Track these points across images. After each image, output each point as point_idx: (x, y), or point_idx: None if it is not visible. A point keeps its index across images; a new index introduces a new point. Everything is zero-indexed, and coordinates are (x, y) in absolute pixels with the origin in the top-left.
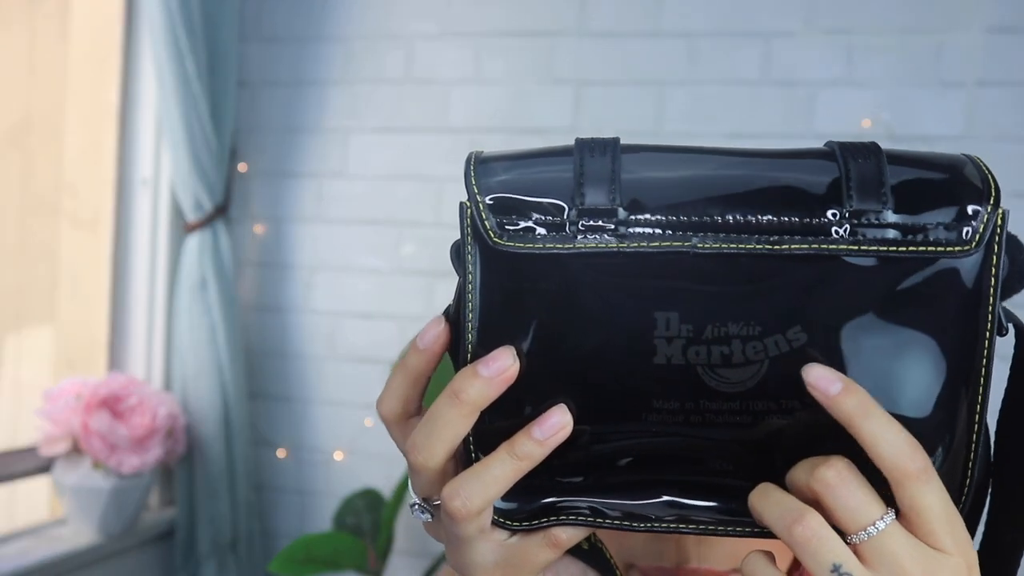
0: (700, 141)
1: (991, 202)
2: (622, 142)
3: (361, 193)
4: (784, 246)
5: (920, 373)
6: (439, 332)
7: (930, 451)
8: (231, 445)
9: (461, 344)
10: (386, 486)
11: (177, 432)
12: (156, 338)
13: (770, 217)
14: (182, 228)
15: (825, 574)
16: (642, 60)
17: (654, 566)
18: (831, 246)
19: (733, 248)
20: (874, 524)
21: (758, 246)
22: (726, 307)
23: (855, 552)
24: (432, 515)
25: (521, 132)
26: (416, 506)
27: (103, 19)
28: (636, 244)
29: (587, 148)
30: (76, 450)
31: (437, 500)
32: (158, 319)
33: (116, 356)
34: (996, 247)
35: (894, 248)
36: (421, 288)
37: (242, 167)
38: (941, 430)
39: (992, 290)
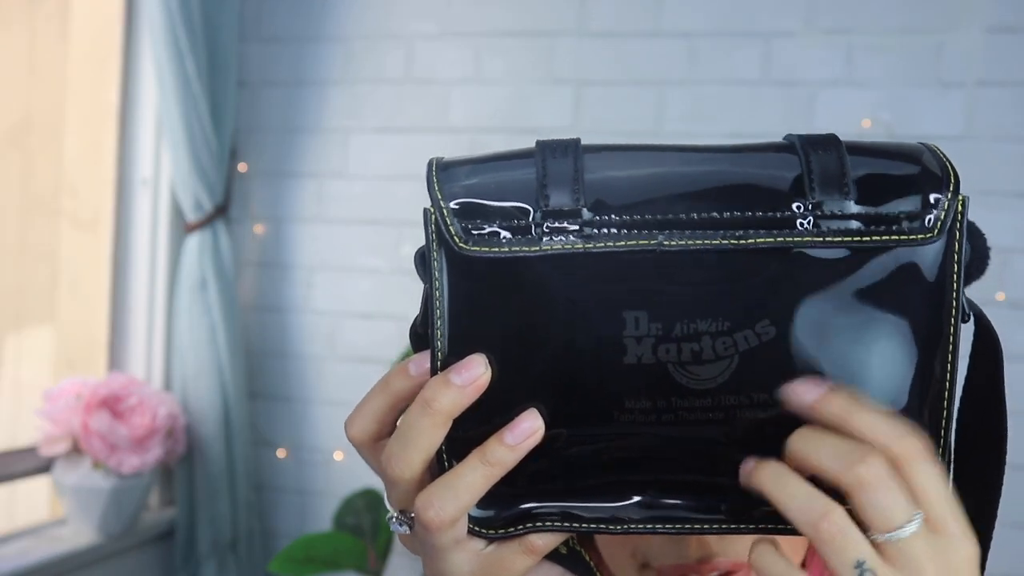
0: (700, 141)
1: (951, 189)
2: (584, 143)
3: (361, 193)
4: (749, 240)
5: (891, 364)
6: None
7: None
8: (231, 445)
9: (431, 353)
10: None
11: (177, 432)
12: (156, 338)
13: (735, 212)
14: (182, 228)
15: (848, 571)
16: (642, 60)
17: (672, 564)
18: (795, 239)
19: (699, 244)
20: (904, 526)
21: (723, 241)
22: (694, 304)
23: (876, 549)
24: (410, 527)
25: (521, 132)
26: (394, 519)
27: (103, 19)
28: (602, 244)
29: (548, 149)
30: (76, 450)
31: (414, 512)
32: (158, 319)
33: (116, 356)
34: (958, 234)
35: (858, 239)
36: (421, 288)
37: (242, 167)
38: (912, 421)
39: (956, 277)
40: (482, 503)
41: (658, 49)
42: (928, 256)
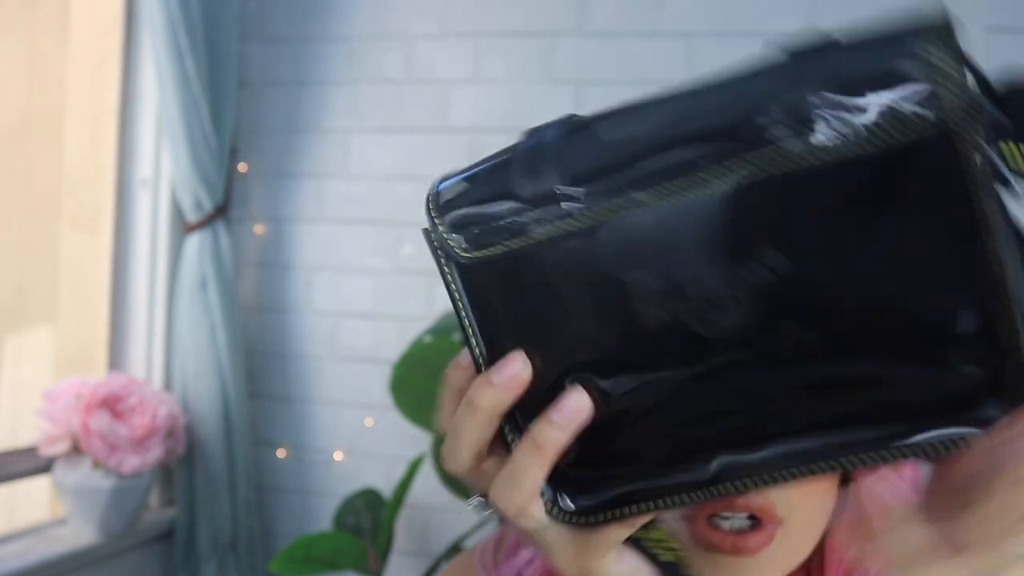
0: None
1: (931, 43)
2: (574, 118)
3: (361, 193)
4: (725, 171)
5: (912, 292)
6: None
7: None
8: (231, 445)
9: (472, 357)
10: (386, 486)
11: (177, 432)
12: (156, 338)
13: (707, 146)
14: (182, 228)
15: None
16: (642, 60)
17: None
18: (777, 156)
19: (675, 187)
20: None
21: (700, 175)
22: (690, 249)
23: None
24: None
25: (521, 132)
26: (474, 505)
27: (103, 19)
28: (583, 218)
29: (522, 139)
30: (76, 450)
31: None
32: (158, 319)
33: (116, 356)
34: (966, 115)
35: (841, 142)
36: (421, 288)
37: (242, 167)
38: (970, 341)
39: (972, 168)
40: (568, 494)
41: (658, 49)
42: (936, 151)
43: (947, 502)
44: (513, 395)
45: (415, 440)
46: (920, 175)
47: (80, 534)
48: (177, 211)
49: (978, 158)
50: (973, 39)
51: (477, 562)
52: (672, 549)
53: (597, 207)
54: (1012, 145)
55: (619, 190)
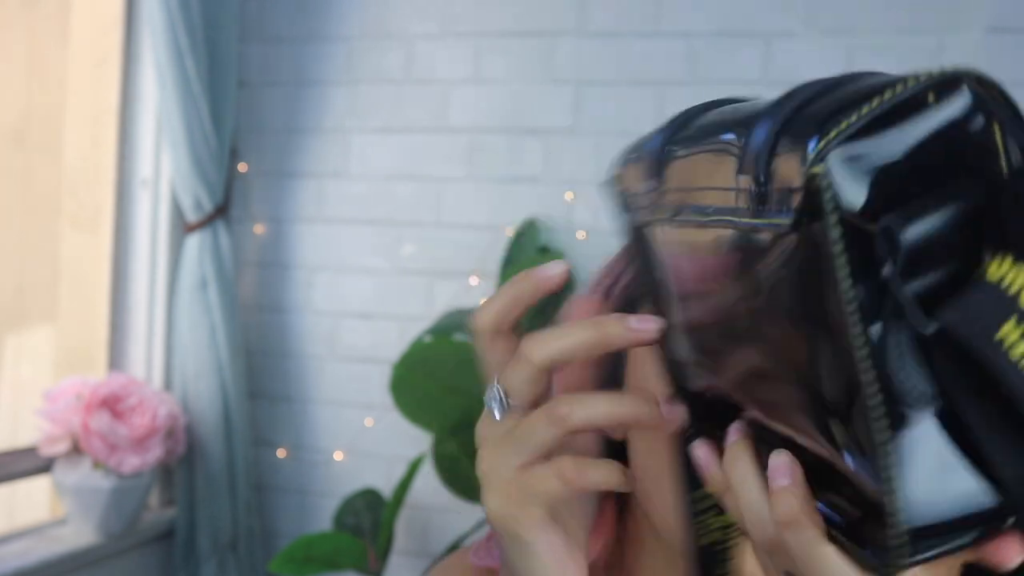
0: None
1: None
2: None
3: (361, 193)
4: (707, 224)
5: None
6: (556, 274)
7: None
8: (231, 445)
9: None
10: (386, 486)
11: (177, 432)
12: (156, 338)
13: (711, 188)
14: (182, 228)
15: None
16: (642, 60)
17: None
18: (726, 222)
19: (700, 220)
20: None
21: (703, 218)
22: (687, 278)
23: None
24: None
25: (521, 132)
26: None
27: (103, 19)
28: (643, 218)
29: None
30: (76, 450)
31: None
32: (158, 319)
33: (116, 356)
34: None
35: (739, 220)
36: (421, 288)
37: (242, 167)
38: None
39: (836, 261)
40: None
41: (658, 49)
42: (810, 242)
43: None
44: (628, 338)
45: (415, 440)
46: (808, 269)
47: (80, 534)
48: (177, 211)
49: (849, 283)
50: (973, 39)
51: (472, 554)
52: (719, 536)
53: (651, 214)
54: (1008, 262)
55: (675, 211)
